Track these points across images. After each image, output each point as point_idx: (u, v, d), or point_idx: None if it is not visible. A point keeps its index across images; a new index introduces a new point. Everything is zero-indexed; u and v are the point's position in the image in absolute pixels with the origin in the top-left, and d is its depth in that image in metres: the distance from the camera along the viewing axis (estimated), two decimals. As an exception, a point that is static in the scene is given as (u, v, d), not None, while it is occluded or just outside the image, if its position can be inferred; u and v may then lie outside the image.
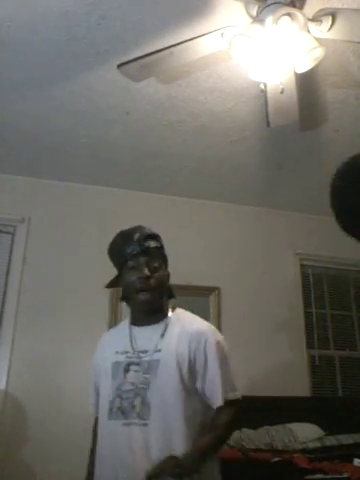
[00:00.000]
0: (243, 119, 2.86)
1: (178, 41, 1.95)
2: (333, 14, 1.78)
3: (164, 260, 1.63)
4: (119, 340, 1.61)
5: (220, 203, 3.92)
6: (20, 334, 3.15)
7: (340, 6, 1.99)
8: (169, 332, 1.55)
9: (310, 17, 1.84)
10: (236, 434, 2.94)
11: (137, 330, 1.60)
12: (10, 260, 3.36)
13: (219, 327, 3.47)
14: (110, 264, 1.62)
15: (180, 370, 1.47)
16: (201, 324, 1.61)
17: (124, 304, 1.70)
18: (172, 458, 1.35)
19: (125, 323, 1.68)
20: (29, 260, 3.36)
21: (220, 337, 1.60)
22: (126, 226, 1.64)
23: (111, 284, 1.65)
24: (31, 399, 3.02)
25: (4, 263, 3.35)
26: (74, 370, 3.04)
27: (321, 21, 1.82)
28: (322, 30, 1.84)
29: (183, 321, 1.59)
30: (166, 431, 1.42)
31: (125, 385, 1.49)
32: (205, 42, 1.92)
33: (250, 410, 3.16)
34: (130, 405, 1.46)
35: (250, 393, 3.33)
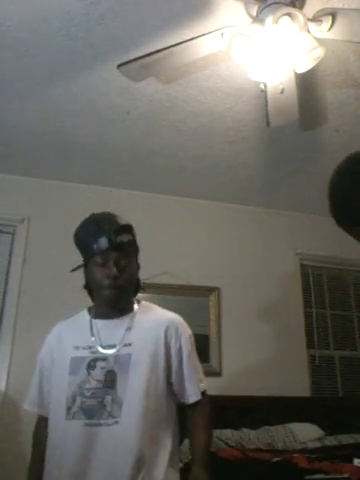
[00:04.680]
0: (243, 119, 2.86)
1: (178, 41, 1.95)
2: (333, 14, 1.78)
3: (135, 252, 1.55)
4: (78, 334, 1.51)
5: (220, 203, 3.91)
6: (20, 334, 3.15)
7: (340, 6, 1.99)
8: (137, 325, 1.47)
9: (310, 17, 1.84)
10: (236, 434, 2.94)
11: (100, 323, 1.50)
12: (10, 260, 3.36)
13: (219, 327, 3.48)
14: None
15: (153, 364, 1.41)
16: (171, 315, 1.55)
17: None
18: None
19: (83, 316, 1.57)
20: (29, 260, 3.36)
21: (189, 329, 1.55)
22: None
23: (76, 269, 1.59)
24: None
25: (4, 263, 3.35)
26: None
27: (321, 21, 1.82)
28: (322, 30, 1.84)
29: (151, 314, 1.54)
30: (137, 430, 1.34)
31: (89, 383, 1.39)
32: (205, 42, 1.93)
33: (250, 410, 3.21)
34: (99, 404, 1.36)
35: (250, 393, 3.36)
